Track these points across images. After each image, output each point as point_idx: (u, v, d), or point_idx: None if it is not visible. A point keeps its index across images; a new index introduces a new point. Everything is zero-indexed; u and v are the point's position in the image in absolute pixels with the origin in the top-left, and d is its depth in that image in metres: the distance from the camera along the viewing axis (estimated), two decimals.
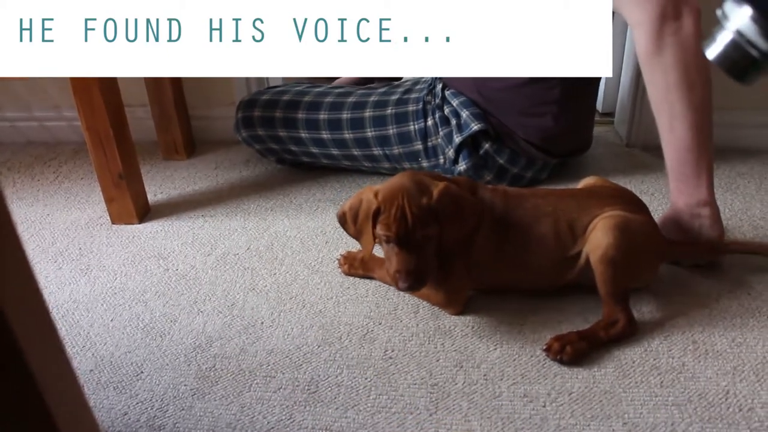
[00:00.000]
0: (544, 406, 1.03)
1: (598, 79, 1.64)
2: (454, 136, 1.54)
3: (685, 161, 1.27)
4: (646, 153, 1.81)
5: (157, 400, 1.08)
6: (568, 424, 1.00)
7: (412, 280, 1.12)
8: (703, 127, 1.26)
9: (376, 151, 1.62)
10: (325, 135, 1.63)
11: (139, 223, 1.58)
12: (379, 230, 1.13)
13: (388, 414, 1.03)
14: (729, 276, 1.30)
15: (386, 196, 1.12)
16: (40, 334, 0.46)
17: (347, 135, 1.62)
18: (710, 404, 1.03)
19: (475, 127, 1.51)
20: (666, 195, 1.57)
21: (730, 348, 1.13)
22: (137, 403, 1.08)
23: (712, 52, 0.79)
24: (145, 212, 1.62)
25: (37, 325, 0.46)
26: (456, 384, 1.08)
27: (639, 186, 1.63)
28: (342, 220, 1.22)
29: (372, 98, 1.63)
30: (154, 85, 1.81)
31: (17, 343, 0.41)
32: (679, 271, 1.32)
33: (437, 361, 1.13)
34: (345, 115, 1.62)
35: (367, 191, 1.17)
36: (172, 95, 1.83)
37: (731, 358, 1.11)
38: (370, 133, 1.60)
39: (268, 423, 1.02)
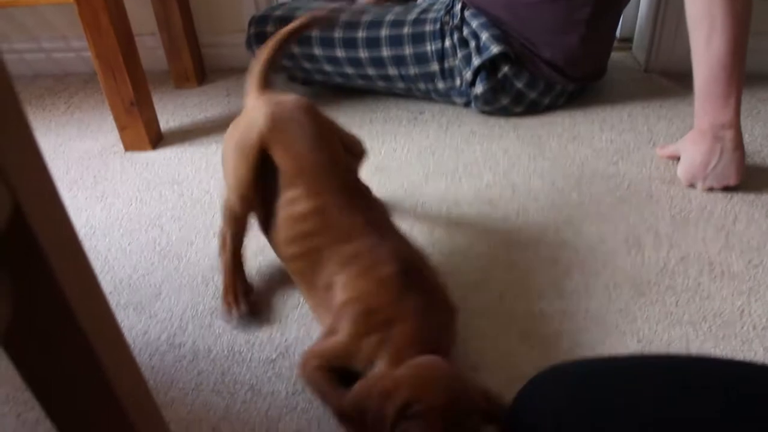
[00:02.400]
0: (560, 324, 1.03)
1: (627, 1, 1.60)
2: (473, 59, 1.51)
3: (717, 79, 1.24)
4: (665, 78, 1.78)
5: (176, 320, 1.10)
6: (583, 341, 1.01)
7: None
8: (741, 44, 1.23)
9: (392, 71, 1.59)
10: (340, 54, 1.61)
11: (153, 150, 1.58)
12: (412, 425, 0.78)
13: None
14: (747, 198, 1.29)
15: (424, 384, 0.79)
16: (66, 246, 0.46)
17: (362, 54, 1.59)
18: (725, 323, 1.03)
19: (495, 50, 1.48)
20: (684, 120, 1.55)
21: (746, 269, 1.13)
22: (157, 323, 1.10)
23: None
24: (158, 139, 1.61)
25: (63, 239, 0.46)
26: (472, 303, 1.08)
27: (657, 111, 1.60)
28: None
29: (388, 17, 1.59)
30: (163, 11, 1.78)
31: (46, 257, 0.41)
32: (696, 192, 1.31)
33: (453, 280, 1.13)
34: (360, 33, 1.58)
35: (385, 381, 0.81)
36: (182, 22, 1.79)
37: (747, 279, 1.11)
38: (385, 52, 1.57)
39: (286, 340, 1.04)
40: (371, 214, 1.01)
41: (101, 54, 1.45)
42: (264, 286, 1.15)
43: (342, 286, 0.94)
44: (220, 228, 1.12)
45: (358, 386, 0.83)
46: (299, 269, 1.02)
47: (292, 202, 1.01)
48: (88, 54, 1.45)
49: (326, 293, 0.96)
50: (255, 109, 1.07)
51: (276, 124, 1.04)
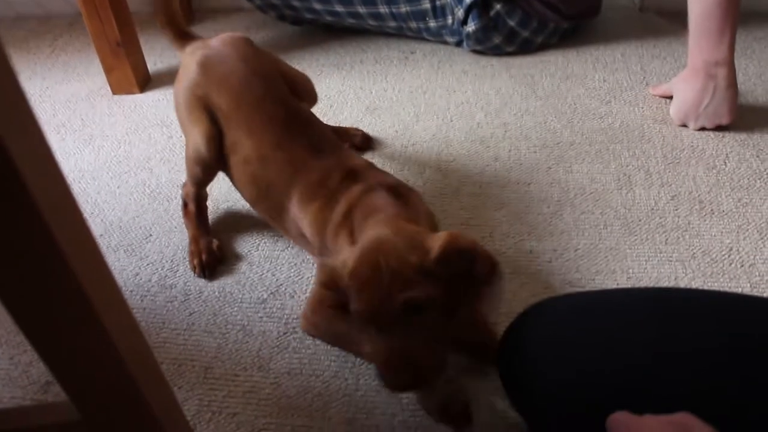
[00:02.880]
0: (549, 262, 1.04)
1: None
2: None
3: (712, 15, 1.22)
4: (660, 17, 1.75)
5: (167, 261, 1.10)
6: (573, 278, 1.01)
7: (401, 380, 0.75)
8: None
9: (382, 8, 1.56)
10: None
11: (141, 93, 1.55)
12: (351, 307, 0.77)
13: None
14: (738, 137, 1.28)
15: (357, 264, 0.75)
16: (53, 188, 0.46)
17: None
18: (713, 260, 1.04)
19: None
20: (678, 59, 1.53)
21: (735, 208, 1.13)
22: (148, 264, 1.10)
23: None
24: (145, 81, 1.58)
25: (51, 183, 0.46)
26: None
27: (651, 50, 1.58)
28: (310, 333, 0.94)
29: None
30: None
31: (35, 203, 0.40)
32: (688, 132, 1.30)
33: (444, 219, 1.13)
34: None
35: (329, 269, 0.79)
36: None
37: (736, 217, 1.11)
38: None
39: (276, 280, 1.04)
40: (310, 139, 0.99)
41: None
42: (256, 227, 1.15)
43: (306, 222, 0.94)
44: (183, 184, 1.14)
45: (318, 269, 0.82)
46: (265, 210, 1.03)
47: (235, 145, 1.01)
48: None
49: (297, 229, 0.97)
50: (185, 63, 1.08)
51: (206, 70, 1.03)
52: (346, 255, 0.78)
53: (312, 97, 1.16)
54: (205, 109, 1.03)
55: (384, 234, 0.77)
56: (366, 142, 1.31)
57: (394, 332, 0.73)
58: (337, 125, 1.33)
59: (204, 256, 1.07)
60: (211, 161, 1.04)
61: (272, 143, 0.98)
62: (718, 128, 1.29)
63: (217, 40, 1.08)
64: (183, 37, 1.14)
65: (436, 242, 0.75)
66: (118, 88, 1.55)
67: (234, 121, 1.00)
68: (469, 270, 0.76)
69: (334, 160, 0.96)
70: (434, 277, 0.74)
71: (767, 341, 0.63)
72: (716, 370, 0.62)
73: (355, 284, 0.74)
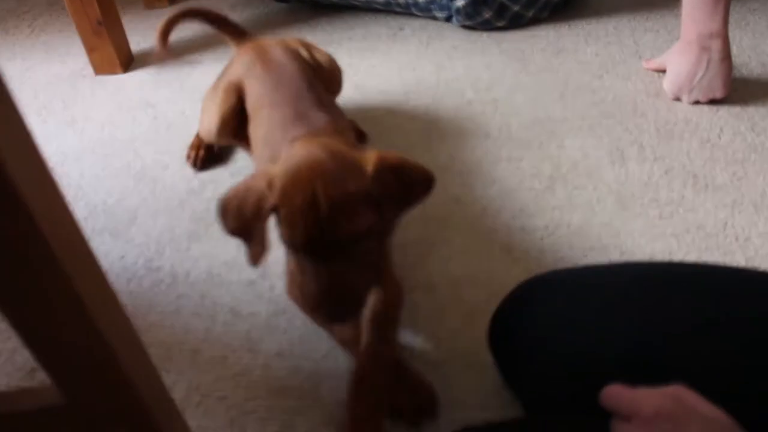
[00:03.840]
0: (541, 239, 1.02)
1: None
2: None
3: None
4: None
5: (153, 244, 1.08)
6: (566, 255, 1.00)
7: (342, 310, 0.74)
8: None
9: None
10: None
11: (124, 73, 1.52)
12: (282, 232, 0.75)
13: None
14: (733, 111, 1.26)
15: (287, 185, 0.72)
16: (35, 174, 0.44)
17: None
18: (708, 235, 1.02)
19: None
20: (671, 32, 1.51)
21: (730, 182, 1.12)
22: (134, 247, 1.07)
23: None
24: (128, 62, 1.55)
25: (32, 166, 0.44)
26: (454, 218, 1.07)
27: (644, 23, 1.56)
28: (221, 213, 0.78)
29: None
30: None
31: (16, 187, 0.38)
32: (682, 106, 1.28)
33: (435, 197, 1.11)
34: None
35: (259, 178, 0.76)
36: None
37: (731, 191, 1.10)
38: None
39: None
40: (315, 106, 0.99)
41: None
42: None
43: None
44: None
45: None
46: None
47: (256, 128, 1.04)
48: None
49: None
50: (235, 60, 1.18)
51: (251, 66, 1.11)
52: (271, 172, 0.75)
53: (336, 87, 1.23)
54: (235, 93, 1.10)
55: (315, 155, 0.74)
56: (360, 137, 1.26)
57: (333, 262, 0.72)
58: None
59: (201, 152, 1.21)
60: (219, 141, 1.16)
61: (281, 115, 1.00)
62: (713, 102, 1.28)
63: (270, 43, 1.15)
64: (239, 35, 1.27)
65: (368, 164, 0.74)
66: (100, 69, 1.52)
67: (259, 111, 1.04)
68: (401, 189, 0.75)
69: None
70: (372, 202, 0.73)
71: (761, 314, 0.62)
72: (710, 343, 0.61)
73: (287, 212, 0.72)
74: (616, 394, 0.51)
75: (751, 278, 0.69)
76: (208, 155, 1.22)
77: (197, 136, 1.23)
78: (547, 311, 0.68)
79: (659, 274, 0.70)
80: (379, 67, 1.46)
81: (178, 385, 0.86)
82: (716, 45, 1.22)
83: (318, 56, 1.17)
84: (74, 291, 0.48)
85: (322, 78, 1.13)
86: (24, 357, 0.90)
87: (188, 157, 1.22)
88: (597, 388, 0.53)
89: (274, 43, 1.15)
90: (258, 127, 1.02)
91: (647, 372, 0.60)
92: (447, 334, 0.90)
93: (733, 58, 1.26)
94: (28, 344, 0.49)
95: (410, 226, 1.06)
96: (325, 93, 1.07)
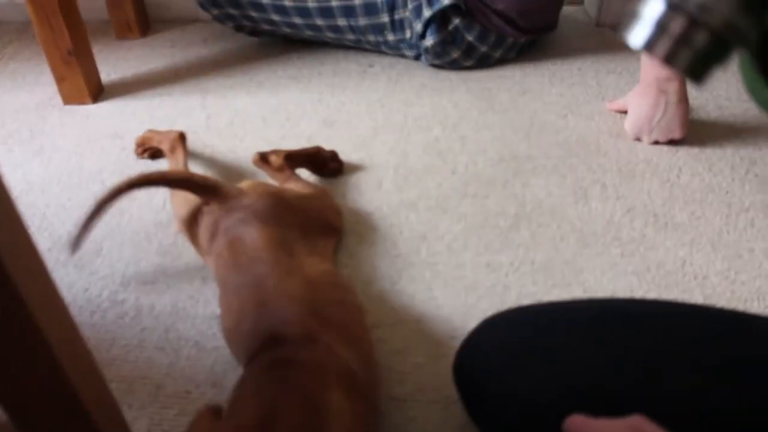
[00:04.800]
0: (506, 276, 1.04)
1: None
2: (424, 10, 1.48)
3: None
4: (616, 32, 1.78)
5: (118, 276, 1.07)
6: (529, 291, 1.01)
7: None
8: None
9: (341, 21, 1.56)
10: (288, 2, 1.56)
11: (93, 104, 1.52)
12: None
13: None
14: (691, 152, 1.31)
15: None
16: None
17: (311, 4, 1.54)
18: (668, 273, 1.05)
19: (446, 1, 1.45)
20: (633, 75, 1.56)
21: (689, 221, 1.15)
22: (98, 279, 1.07)
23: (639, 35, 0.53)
24: (98, 92, 1.55)
25: None
26: (420, 255, 1.08)
27: (607, 65, 1.60)
28: None
29: None
30: None
31: None
32: (642, 146, 1.32)
33: (401, 233, 1.12)
34: None
35: None
36: None
37: (690, 230, 1.13)
38: (335, 2, 1.53)
39: None
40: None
41: (36, 0, 1.38)
42: None
43: None
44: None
45: None
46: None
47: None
48: (22, 0, 1.38)
49: None
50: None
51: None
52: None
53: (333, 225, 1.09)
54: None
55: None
56: (338, 166, 1.26)
57: None
58: (311, 148, 1.26)
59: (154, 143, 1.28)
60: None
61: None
62: (672, 142, 1.32)
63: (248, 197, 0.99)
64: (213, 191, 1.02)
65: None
66: (69, 98, 1.51)
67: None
68: None
69: None
70: None
71: (715, 346, 0.64)
72: (664, 374, 0.63)
73: None
74: (579, 423, 0.53)
75: (710, 315, 0.72)
76: (155, 151, 1.29)
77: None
78: (507, 346, 0.70)
79: (619, 312, 0.72)
80: (349, 104, 1.48)
81: (139, 420, 0.85)
82: (673, 87, 1.26)
83: (306, 203, 1.05)
84: (36, 325, 0.48)
85: (313, 220, 1.02)
86: None
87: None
88: (559, 424, 0.55)
89: (252, 198, 0.98)
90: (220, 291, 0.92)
91: (606, 403, 0.61)
92: (412, 369, 0.91)
93: (690, 101, 1.31)
94: None
95: (376, 263, 1.07)
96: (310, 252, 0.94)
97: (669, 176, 1.25)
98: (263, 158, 1.19)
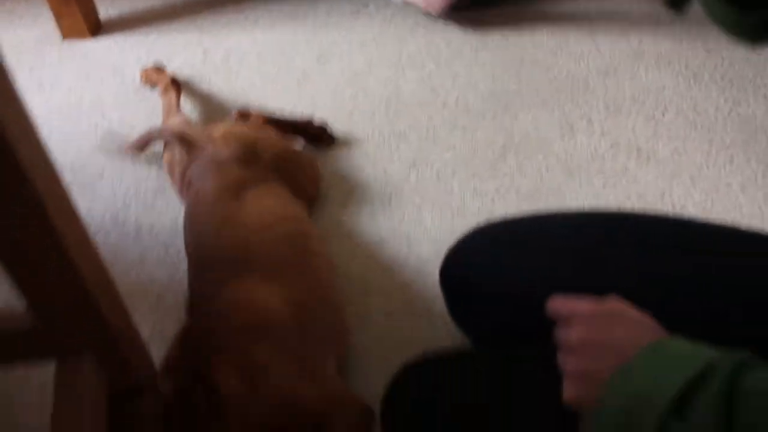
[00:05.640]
0: (492, 202, 1.08)
1: None
2: None
3: None
4: None
5: (119, 199, 1.11)
6: None
7: None
8: None
9: None
10: None
11: (92, 39, 1.54)
12: None
13: (343, 209, 1.08)
14: (677, 91, 1.34)
15: None
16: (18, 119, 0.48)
17: None
18: (647, 203, 1.10)
19: None
20: (626, 17, 1.57)
21: (671, 156, 1.19)
22: (101, 202, 1.11)
23: None
24: (96, 28, 1.57)
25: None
26: (409, 181, 1.12)
27: (599, 4, 1.62)
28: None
29: None
30: None
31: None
32: (630, 84, 1.35)
33: (391, 161, 1.16)
34: None
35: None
36: None
37: (671, 164, 1.17)
38: None
39: None
40: None
41: None
42: None
43: None
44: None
45: None
46: None
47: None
48: None
49: None
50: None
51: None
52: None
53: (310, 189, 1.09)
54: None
55: None
56: (329, 139, 1.22)
57: None
58: (301, 119, 1.24)
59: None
60: None
61: None
62: (657, 83, 1.35)
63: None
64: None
65: None
66: (68, 34, 1.53)
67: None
68: None
69: None
70: None
71: (698, 251, 0.69)
72: (651, 264, 0.68)
73: None
74: (558, 301, 0.57)
75: (689, 225, 0.76)
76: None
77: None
78: (496, 247, 0.74)
79: (609, 216, 0.77)
80: (342, 42, 1.50)
81: (141, 327, 0.89)
82: None
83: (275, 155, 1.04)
84: (53, 227, 0.52)
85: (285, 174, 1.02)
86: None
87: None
88: (543, 317, 0.59)
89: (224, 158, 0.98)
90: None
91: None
92: (399, 286, 0.96)
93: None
94: (8, 270, 0.54)
95: (367, 187, 1.11)
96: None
97: (654, 113, 1.28)
98: (242, 116, 1.19)
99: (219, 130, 1.04)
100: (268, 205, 0.91)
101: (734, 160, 1.18)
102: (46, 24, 1.57)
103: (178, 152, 1.04)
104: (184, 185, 0.99)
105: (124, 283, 0.97)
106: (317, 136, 1.20)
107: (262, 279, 0.79)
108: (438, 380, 0.68)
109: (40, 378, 0.87)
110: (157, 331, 0.90)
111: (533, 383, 0.63)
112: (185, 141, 1.02)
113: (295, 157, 1.08)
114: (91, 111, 1.32)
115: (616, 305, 0.55)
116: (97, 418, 0.64)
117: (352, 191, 1.11)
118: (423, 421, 0.66)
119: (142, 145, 1.13)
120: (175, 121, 1.14)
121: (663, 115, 1.28)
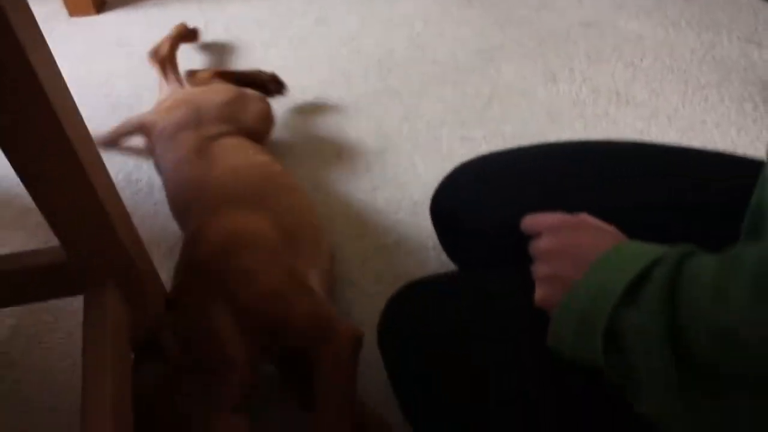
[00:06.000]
0: (479, 146, 1.16)
1: None
2: None
3: None
4: None
5: (132, 159, 1.19)
6: None
7: None
8: None
9: None
10: None
11: (97, 15, 1.61)
12: None
13: (339, 160, 1.15)
14: (656, 39, 1.40)
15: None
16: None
17: None
18: None
19: None
20: None
21: (648, 98, 1.25)
22: (114, 164, 1.19)
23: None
24: (101, 4, 1.64)
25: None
26: (402, 132, 1.20)
27: None
28: None
29: None
30: None
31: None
32: (610, 32, 1.41)
33: (384, 116, 1.24)
34: None
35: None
36: None
37: (649, 106, 1.24)
38: None
39: None
40: None
41: None
42: None
43: None
44: None
45: None
46: None
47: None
48: None
49: None
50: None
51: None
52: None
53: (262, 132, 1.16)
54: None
55: None
56: (279, 87, 1.27)
57: None
58: (250, 70, 1.30)
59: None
60: None
61: None
62: (636, 32, 1.41)
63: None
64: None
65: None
66: (75, 10, 1.60)
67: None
68: None
69: None
70: None
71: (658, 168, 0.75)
72: (632, 193, 0.72)
73: None
74: (531, 217, 0.63)
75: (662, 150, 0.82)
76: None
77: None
78: (483, 178, 0.80)
79: (592, 146, 0.83)
80: (339, 5, 1.56)
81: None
82: None
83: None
84: (81, 164, 0.60)
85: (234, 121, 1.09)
86: None
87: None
88: (517, 249, 0.64)
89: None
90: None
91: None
92: (394, 223, 1.03)
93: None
94: (40, 206, 0.62)
95: (362, 138, 1.18)
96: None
97: (633, 60, 1.35)
98: (191, 75, 1.27)
99: (166, 101, 1.13)
100: (233, 154, 1.00)
101: (709, 99, 1.25)
102: (54, 2, 1.65)
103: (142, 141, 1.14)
104: (157, 167, 1.10)
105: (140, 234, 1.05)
106: (266, 83, 1.26)
107: (246, 210, 0.88)
108: (428, 301, 0.73)
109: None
110: (170, 278, 0.98)
111: (512, 298, 0.68)
112: (142, 128, 1.13)
113: (239, 99, 1.13)
114: (99, 82, 1.39)
115: (583, 217, 0.60)
116: (120, 342, 0.72)
117: (347, 145, 1.18)
118: (416, 342, 0.69)
119: (112, 141, 1.22)
120: (136, 114, 1.19)
121: (641, 60, 1.34)
